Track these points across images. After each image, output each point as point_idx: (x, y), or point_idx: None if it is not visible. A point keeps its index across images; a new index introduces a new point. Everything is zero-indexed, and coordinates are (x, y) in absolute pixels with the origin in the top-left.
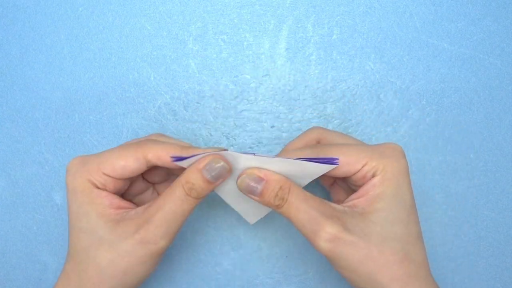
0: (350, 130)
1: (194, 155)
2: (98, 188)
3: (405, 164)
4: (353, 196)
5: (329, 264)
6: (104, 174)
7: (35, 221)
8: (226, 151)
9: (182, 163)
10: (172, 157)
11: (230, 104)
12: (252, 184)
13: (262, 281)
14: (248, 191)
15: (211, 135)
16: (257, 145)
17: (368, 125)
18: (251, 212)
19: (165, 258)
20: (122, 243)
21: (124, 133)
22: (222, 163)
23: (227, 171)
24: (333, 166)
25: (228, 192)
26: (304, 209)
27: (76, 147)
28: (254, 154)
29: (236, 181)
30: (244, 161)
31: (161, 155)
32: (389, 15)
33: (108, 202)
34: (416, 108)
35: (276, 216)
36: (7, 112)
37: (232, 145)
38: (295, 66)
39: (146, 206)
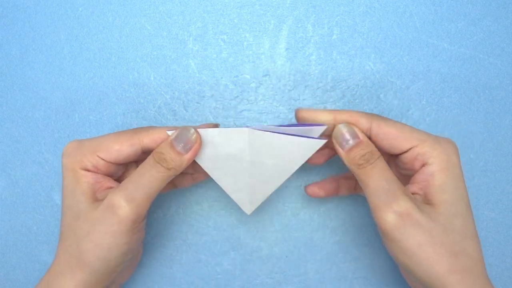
0: None
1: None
2: (88, 170)
3: (458, 158)
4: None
5: (329, 264)
6: (99, 157)
7: (35, 221)
8: (215, 129)
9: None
10: (168, 131)
11: (230, 104)
12: (347, 136)
13: (262, 281)
14: (338, 140)
15: None
16: None
17: None
18: (247, 200)
19: (165, 258)
20: (94, 212)
21: None
22: (191, 132)
23: (196, 141)
24: (323, 142)
25: (225, 178)
26: (386, 178)
27: None
28: (247, 126)
29: (333, 130)
30: (235, 136)
31: (157, 138)
32: (389, 15)
33: (94, 181)
34: (416, 108)
35: (276, 216)
36: (7, 112)
37: None
38: (295, 66)
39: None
